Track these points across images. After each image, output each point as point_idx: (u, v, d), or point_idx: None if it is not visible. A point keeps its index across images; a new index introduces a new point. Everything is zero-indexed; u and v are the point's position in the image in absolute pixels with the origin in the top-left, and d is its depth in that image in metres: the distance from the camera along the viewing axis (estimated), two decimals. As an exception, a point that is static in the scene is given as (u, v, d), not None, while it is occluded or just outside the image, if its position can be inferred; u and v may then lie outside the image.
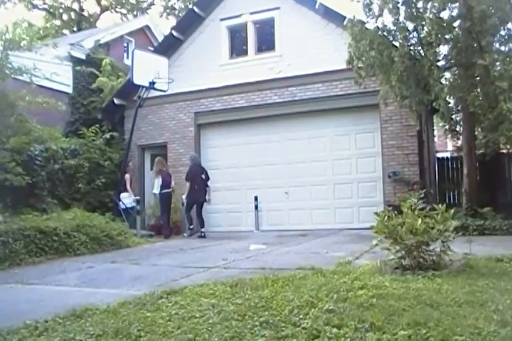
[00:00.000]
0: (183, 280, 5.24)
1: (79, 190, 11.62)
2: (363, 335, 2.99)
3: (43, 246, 7.61)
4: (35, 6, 27.62)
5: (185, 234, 11.16)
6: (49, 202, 10.38)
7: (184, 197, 11.01)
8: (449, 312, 3.38)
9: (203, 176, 11.10)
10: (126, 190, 11.86)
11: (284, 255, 7.16)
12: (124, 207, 11.39)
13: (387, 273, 4.82)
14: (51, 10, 27.88)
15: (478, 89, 8.89)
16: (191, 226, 11.12)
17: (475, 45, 8.69)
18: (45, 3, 27.75)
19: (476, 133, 10.78)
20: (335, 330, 3.08)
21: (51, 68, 10.90)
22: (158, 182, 11.49)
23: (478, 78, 8.91)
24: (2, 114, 8.43)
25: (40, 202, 10.13)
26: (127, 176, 12.08)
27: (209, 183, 11.21)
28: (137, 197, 11.78)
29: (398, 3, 8.96)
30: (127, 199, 11.60)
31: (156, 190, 11.53)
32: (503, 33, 8.93)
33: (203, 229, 10.85)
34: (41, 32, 25.04)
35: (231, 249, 8.05)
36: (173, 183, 11.47)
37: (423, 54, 9.08)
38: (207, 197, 11.15)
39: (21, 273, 6.47)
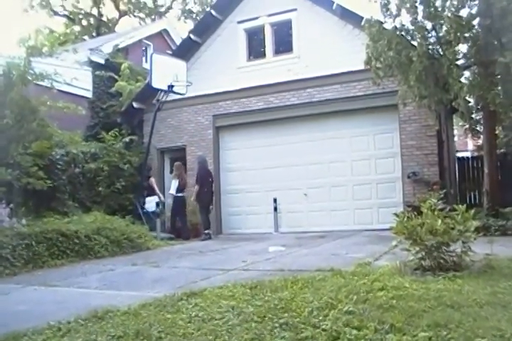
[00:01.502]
0: (203, 283, 5.25)
1: (99, 193, 11.73)
2: (383, 337, 2.97)
3: (64, 249, 7.73)
4: (55, 13, 28.08)
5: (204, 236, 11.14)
6: (70, 206, 10.52)
7: (192, 199, 11.23)
8: (470, 313, 3.33)
9: (210, 180, 11.43)
10: (153, 194, 12.00)
11: (303, 257, 7.15)
12: (146, 210, 11.54)
13: (407, 274, 4.78)
14: (71, 16, 28.29)
15: (499, 88, 8.76)
16: (207, 231, 11.09)
17: (495, 42, 8.58)
18: (65, 10, 28.18)
19: (497, 132, 10.63)
20: (355, 332, 3.06)
21: (71, 73, 11.03)
22: (175, 183, 11.78)
23: (498, 76, 8.79)
24: (25, 120, 8.57)
25: (62, 206, 10.27)
26: (152, 180, 12.23)
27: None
28: (157, 200, 11.88)
29: (416, 2, 8.85)
30: (152, 203, 11.72)
31: (173, 191, 11.76)
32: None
33: (209, 231, 11.10)
34: (61, 38, 25.51)
35: (250, 251, 8.06)
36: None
37: (442, 53, 8.97)
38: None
39: (44, 275, 6.58)
